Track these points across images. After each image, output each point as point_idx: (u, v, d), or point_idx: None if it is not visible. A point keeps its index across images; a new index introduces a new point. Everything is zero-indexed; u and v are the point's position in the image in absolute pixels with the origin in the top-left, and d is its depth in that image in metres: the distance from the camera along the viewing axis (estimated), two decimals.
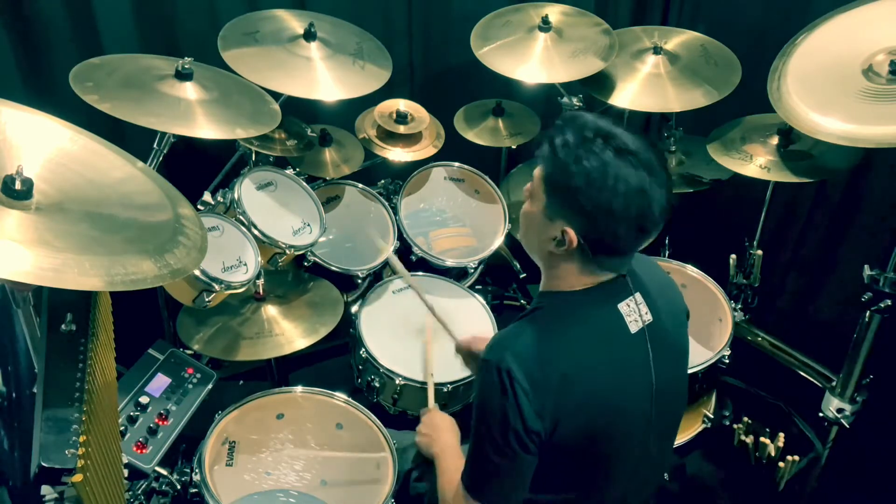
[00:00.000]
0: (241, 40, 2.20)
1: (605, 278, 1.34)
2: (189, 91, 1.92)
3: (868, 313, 2.05)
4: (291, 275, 2.34)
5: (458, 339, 1.86)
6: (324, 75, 2.23)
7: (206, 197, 2.06)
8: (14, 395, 1.32)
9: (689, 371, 2.11)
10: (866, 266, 2.01)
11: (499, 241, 2.50)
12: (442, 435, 1.64)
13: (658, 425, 1.41)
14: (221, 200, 2.04)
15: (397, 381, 2.06)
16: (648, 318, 1.37)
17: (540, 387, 1.26)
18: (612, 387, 1.33)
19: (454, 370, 2.08)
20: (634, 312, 1.35)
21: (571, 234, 1.27)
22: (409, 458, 1.83)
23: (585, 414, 1.30)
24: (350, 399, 1.97)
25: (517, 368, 1.25)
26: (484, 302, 2.38)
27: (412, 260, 2.42)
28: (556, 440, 1.29)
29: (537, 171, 1.33)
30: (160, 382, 1.81)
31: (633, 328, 1.35)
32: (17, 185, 1.18)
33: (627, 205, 1.23)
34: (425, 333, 2.13)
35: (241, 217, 1.99)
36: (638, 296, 1.37)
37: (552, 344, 1.30)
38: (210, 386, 1.86)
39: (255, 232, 1.98)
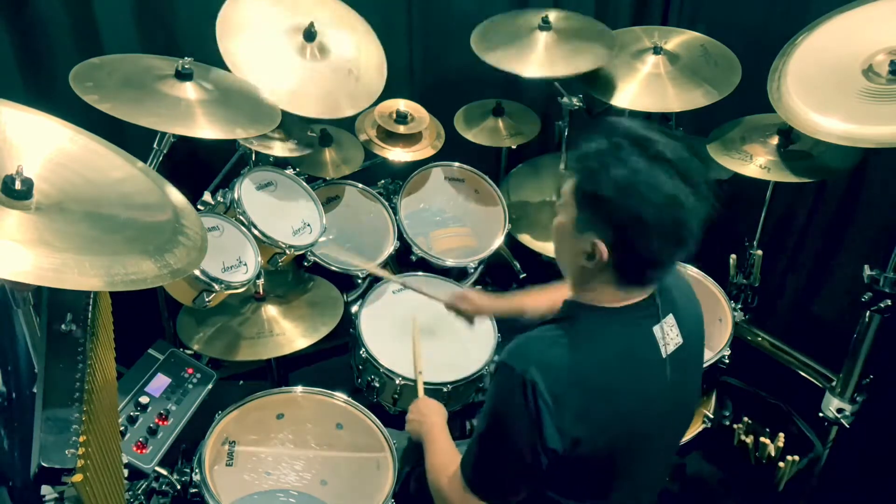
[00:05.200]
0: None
1: (641, 297, 1.29)
2: (189, 91, 1.92)
3: (868, 313, 2.05)
4: (291, 275, 2.34)
5: (444, 300, 1.91)
6: (319, 89, 2.23)
7: (206, 197, 2.06)
8: (14, 395, 1.32)
9: None
10: (866, 266, 2.01)
11: (499, 241, 2.50)
12: (429, 417, 1.64)
13: (668, 438, 1.41)
14: (221, 200, 2.04)
15: (397, 381, 2.06)
16: (679, 340, 1.32)
17: (564, 404, 1.21)
18: (637, 409, 1.29)
19: (454, 370, 2.09)
20: (667, 335, 1.30)
21: (602, 247, 1.21)
22: (408, 458, 1.83)
23: (607, 434, 1.27)
24: (350, 399, 1.97)
25: (542, 382, 1.20)
26: None
27: (412, 260, 2.42)
28: (573, 455, 1.25)
29: (568, 183, 1.26)
30: (160, 382, 1.81)
31: (664, 352, 1.30)
32: (17, 185, 1.18)
33: (660, 215, 1.17)
34: (412, 331, 2.12)
35: (241, 217, 1.99)
36: (671, 318, 1.32)
37: (583, 361, 1.24)
38: (210, 386, 1.86)
39: (255, 232, 1.98)
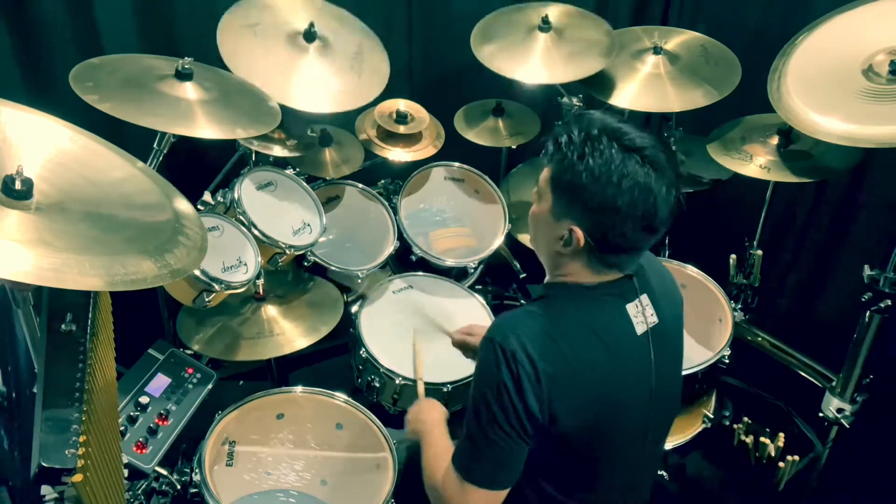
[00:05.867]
0: (240, 32, 2.20)
1: (615, 277, 1.35)
2: (189, 91, 1.92)
3: (868, 313, 2.05)
4: (291, 275, 2.34)
5: (453, 335, 1.81)
6: (322, 82, 2.23)
7: (206, 197, 2.06)
8: (14, 395, 1.32)
9: (689, 371, 2.12)
10: (866, 266, 2.01)
11: (499, 241, 2.50)
12: (429, 415, 1.64)
13: (654, 425, 1.42)
14: (221, 200, 2.04)
15: (397, 381, 2.06)
16: (654, 320, 1.37)
17: (541, 374, 1.26)
18: (612, 385, 1.33)
19: (454, 370, 2.08)
20: (641, 314, 1.36)
21: (578, 232, 1.28)
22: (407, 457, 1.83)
23: (583, 409, 1.30)
24: (350, 399, 1.97)
25: (521, 352, 1.26)
26: (484, 302, 2.38)
27: (412, 260, 2.42)
28: (554, 431, 1.29)
29: (544, 172, 1.33)
30: (160, 382, 1.81)
31: (640, 330, 1.35)
32: (17, 185, 1.18)
33: (633, 202, 1.24)
34: (413, 335, 2.12)
35: (241, 217, 1.99)
36: (645, 297, 1.37)
37: (557, 334, 1.29)
38: (210, 386, 1.86)
39: (255, 232, 1.98)
